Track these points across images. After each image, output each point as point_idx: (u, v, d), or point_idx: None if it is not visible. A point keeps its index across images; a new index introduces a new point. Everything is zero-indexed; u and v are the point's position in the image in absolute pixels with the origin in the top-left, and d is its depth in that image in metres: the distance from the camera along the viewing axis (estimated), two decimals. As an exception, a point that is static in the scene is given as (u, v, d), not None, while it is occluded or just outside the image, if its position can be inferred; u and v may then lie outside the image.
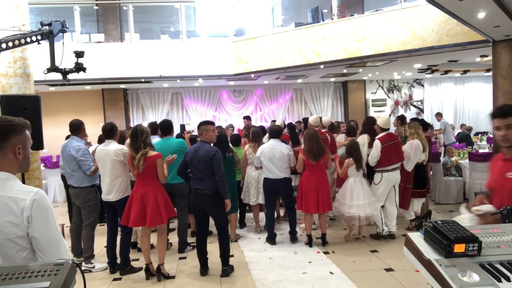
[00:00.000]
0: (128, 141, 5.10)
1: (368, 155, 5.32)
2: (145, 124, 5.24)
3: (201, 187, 4.10)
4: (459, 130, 11.10)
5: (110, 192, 4.28)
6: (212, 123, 4.33)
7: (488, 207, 2.22)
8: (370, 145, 5.48)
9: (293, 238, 5.28)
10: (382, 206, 5.18)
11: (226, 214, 4.44)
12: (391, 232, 5.19)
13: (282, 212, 6.39)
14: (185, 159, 4.21)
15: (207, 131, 4.19)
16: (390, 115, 11.99)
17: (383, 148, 4.98)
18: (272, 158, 5.10)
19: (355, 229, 5.30)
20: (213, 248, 4.60)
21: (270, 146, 5.16)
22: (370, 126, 5.64)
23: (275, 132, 5.31)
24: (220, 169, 4.05)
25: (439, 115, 10.63)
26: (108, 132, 4.35)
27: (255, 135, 5.75)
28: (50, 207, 1.63)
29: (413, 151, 5.22)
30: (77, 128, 4.60)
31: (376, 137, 5.15)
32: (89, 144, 6.54)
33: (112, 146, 4.29)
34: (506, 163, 2.30)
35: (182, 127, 5.90)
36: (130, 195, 4.18)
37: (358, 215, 5.03)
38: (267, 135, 6.77)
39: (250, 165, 5.63)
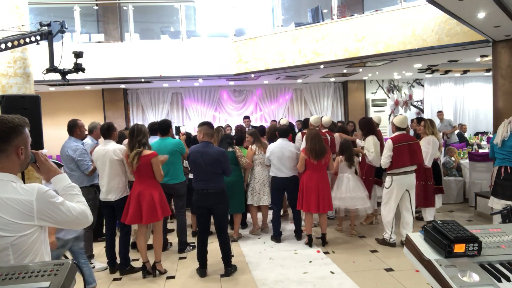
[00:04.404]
0: (125, 141, 5.12)
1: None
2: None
3: (209, 187, 4.14)
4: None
5: (110, 192, 4.28)
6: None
7: None
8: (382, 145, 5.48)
9: (299, 237, 5.35)
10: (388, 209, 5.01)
11: (227, 214, 4.50)
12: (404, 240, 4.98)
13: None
14: (188, 160, 4.27)
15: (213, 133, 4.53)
16: (390, 115, 12.00)
17: (395, 148, 4.75)
18: (281, 157, 5.19)
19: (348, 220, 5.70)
20: (212, 248, 4.60)
21: (279, 146, 5.25)
22: (370, 127, 5.64)
23: (283, 131, 5.41)
24: (229, 168, 4.29)
25: (440, 113, 10.37)
26: (105, 132, 4.37)
27: (271, 133, 5.84)
28: (53, 197, 1.66)
29: (431, 146, 5.25)
30: (71, 129, 4.66)
31: (390, 137, 5.08)
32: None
33: (111, 145, 4.30)
34: None
35: (177, 129, 5.95)
36: (129, 193, 4.23)
37: (338, 207, 5.46)
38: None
39: (259, 165, 5.56)
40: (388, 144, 4.82)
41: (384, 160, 4.82)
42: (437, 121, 11.92)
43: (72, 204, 1.73)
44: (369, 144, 5.51)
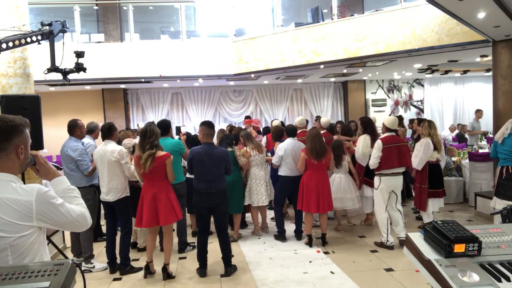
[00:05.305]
0: (124, 141, 5.12)
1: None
2: (141, 125, 5.28)
3: (213, 187, 4.16)
4: (449, 132, 11.03)
5: (109, 193, 4.29)
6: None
7: None
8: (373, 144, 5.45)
9: (299, 237, 5.36)
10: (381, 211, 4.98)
11: (228, 213, 4.51)
12: (400, 238, 4.89)
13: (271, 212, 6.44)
14: (190, 161, 4.23)
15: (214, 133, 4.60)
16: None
17: (384, 149, 4.75)
18: (294, 156, 5.24)
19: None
20: (212, 248, 4.60)
21: (292, 145, 5.31)
22: (371, 127, 5.61)
23: (291, 131, 5.48)
24: (231, 166, 4.40)
25: (479, 112, 9.94)
26: (106, 132, 4.36)
27: (277, 134, 5.91)
28: (52, 198, 1.66)
29: (423, 148, 5.11)
30: (71, 129, 4.67)
31: (379, 137, 5.04)
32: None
33: (110, 146, 4.30)
34: None
35: (178, 129, 5.96)
36: (140, 196, 4.14)
37: (339, 208, 5.57)
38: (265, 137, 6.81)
39: (255, 166, 5.53)
40: (378, 145, 4.80)
41: (373, 161, 4.80)
42: (469, 118, 11.85)
43: (71, 206, 1.73)
44: (358, 142, 5.48)
